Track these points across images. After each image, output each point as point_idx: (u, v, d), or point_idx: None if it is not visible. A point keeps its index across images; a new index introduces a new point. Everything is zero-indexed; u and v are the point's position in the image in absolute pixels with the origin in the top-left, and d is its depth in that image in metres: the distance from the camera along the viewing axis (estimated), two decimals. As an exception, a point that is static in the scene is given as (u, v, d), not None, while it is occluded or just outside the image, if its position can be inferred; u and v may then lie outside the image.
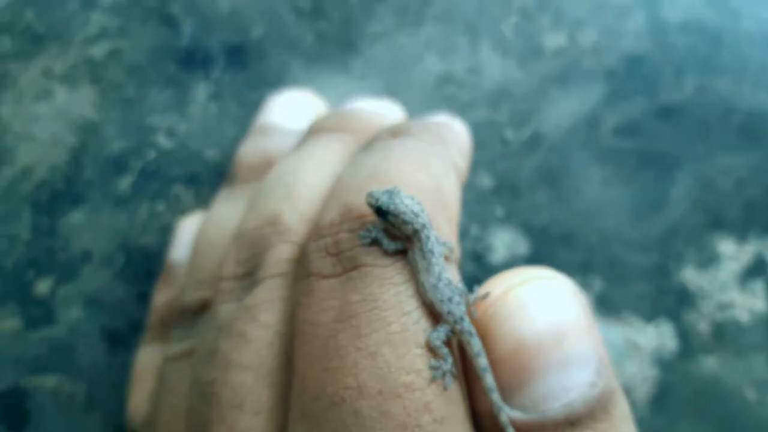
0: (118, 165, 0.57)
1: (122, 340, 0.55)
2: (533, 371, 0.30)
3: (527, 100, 0.58)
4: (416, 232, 0.32)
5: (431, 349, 0.30)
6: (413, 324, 0.31)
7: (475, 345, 0.31)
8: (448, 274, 0.32)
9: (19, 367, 0.55)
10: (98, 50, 0.59)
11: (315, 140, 0.44)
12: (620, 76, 0.59)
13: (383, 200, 0.32)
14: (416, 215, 0.32)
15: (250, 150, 0.50)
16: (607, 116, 0.58)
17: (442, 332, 0.31)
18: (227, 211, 0.46)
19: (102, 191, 0.57)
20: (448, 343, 0.31)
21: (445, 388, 0.29)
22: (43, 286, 0.55)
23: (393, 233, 0.33)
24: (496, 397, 0.30)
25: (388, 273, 0.32)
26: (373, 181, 0.35)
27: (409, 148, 0.38)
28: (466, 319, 0.31)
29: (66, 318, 0.55)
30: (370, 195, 0.33)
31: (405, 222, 0.32)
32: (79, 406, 0.53)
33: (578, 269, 0.56)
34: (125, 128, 0.57)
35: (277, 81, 0.58)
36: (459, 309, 0.31)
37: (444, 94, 0.58)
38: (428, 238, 0.33)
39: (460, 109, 0.58)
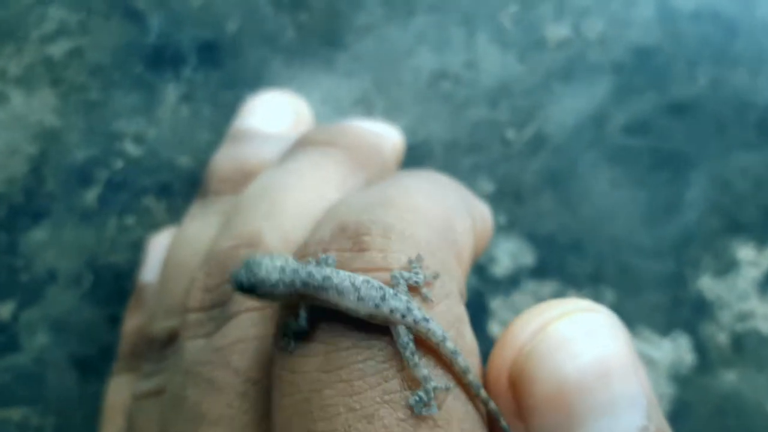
0: (83, 175, 0.52)
1: (93, 367, 0.51)
2: (579, 415, 0.26)
3: (529, 97, 0.54)
4: (305, 284, 0.29)
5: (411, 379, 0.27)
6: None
7: (436, 330, 0.27)
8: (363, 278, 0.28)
9: (-20, 399, 0.50)
10: (57, 49, 0.54)
11: (304, 155, 0.40)
12: (629, 69, 0.55)
13: (241, 275, 0.29)
14: (283, 270, 0.29)
15: (224, 158, 0.45)
16: (616, 113, 0.54)
17: (410, 339, 0.27)
18: (199, 228, 0.41)
19: (66, 205, 0.52)
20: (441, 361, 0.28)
21: (435, 412, 0.26)
22: (4, 311, 0.51)
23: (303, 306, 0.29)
24: (473, 378, 0.27)
25: None
26: (378, 207, 0.31)
27: (423, 178, 0.35)
28: (414, 307, 0.27)
29: (31, 344, 0.51)
30: (231, 276, 0.30)
31: (274, 286, 0.29)
32: (46, 443, 0.49)
33: (588, 280, 0.52)
34: (89, 135, 0.52)
35: (255, 80, 0.53)
36: (399, 301, 0.27)
37: (439, 92, 0.53)
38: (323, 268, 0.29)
39: (456, 107, 0.53)
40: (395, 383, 0.26)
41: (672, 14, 0.56)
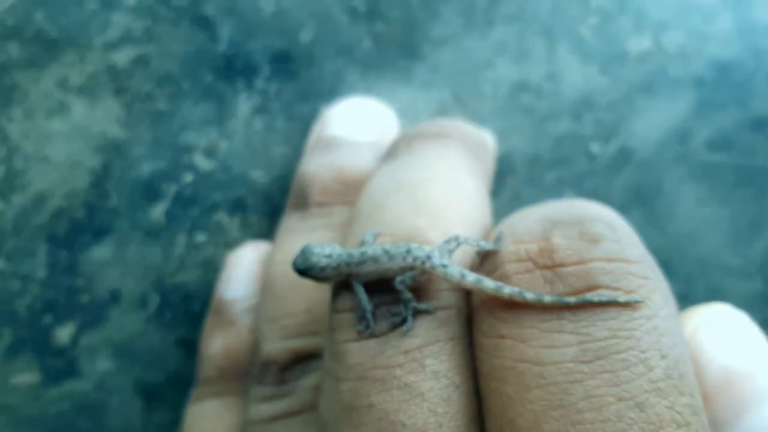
0: (149, 190, 0.49)
1: (159, 395, 0.47)
2: (747, 398, 0.31)
3: (612, 110, 0.52)
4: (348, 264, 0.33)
5: (396, 294, 0.32)
6: (674, 368, 0.27)
7: (454, 270, 0.31)
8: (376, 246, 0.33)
9: (38, 428, 0.47)
10: (121, 57, 0.51)
11: (422, 148, 0.39)
12: (710, 83, 0.54)
13: (298, 261, 0.35)
14: (330, 255, 0.34)
15: (320, 168, 0.43)
16: (699, 129, 0.53)
17: (407, 277, 0.32)
18: (306, 241, 0.39)
19: (130, 221, 0.49)
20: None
21: (405, 332, 0.31)
22: (63, 334, 0.48)
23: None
24: (509, 290, 0.30)
25: (646, 300, 0.28)
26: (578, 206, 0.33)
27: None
28: (435, 254, 0.32)
29: (91, 370, 0.47)
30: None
31: (322, 269, 0.34)
32: (114, 478, 0.46)
33: (679, 299, 0.50)
34: (156, 147, 0.50)
35: (330, 91, 0.51)
36: (421, 251, 0.32)
37: (520, 104, 0.51)
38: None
39: (539, 120, 0.51)
40: (659, 372, 0.27)
41: (751, 27, 0.55)
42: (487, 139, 0.44)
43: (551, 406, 0.27)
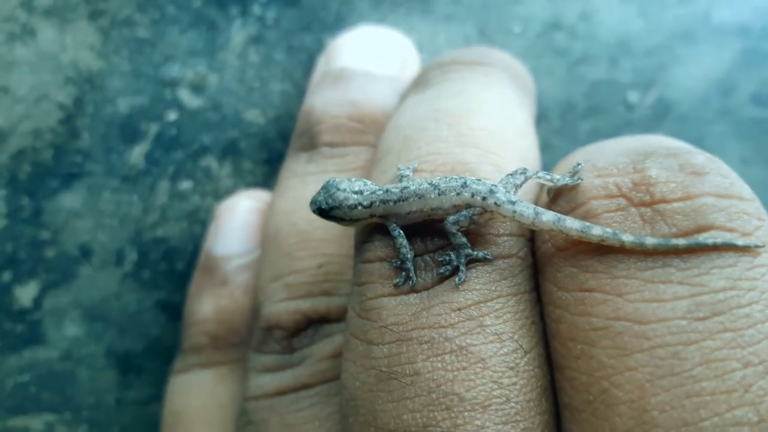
0: (127, 129, 0.43)
1: (137, 366, 0.42)
2: None
3: (651, 57, 0.47)
4: (383, 202, 0.28)
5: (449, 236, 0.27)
6: None
7: (525, 208, 0.26)
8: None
9: (-6, 403, 0.41)
10: (96, -24, 0.44)
11: (461, 76, 0.34)
12: (756, 32, 0.49)
13: (320, 197, 0.30)
14: (361, 192, 0.29)
15: (331, 104, 0.37)
16: (744, 81, 0.48)
17: (462, 216, 0.27)
18: (316, 187, 0.33)
19: (104, 165, 0.42)
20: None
21: (457, 285, 0.26)
22: (24, 294, 0.41)
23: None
24: (597, 231, 0.25)
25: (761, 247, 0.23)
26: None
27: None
28: (499, 189, 0.27)
29: (57, 337, 0.41)
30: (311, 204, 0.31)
31: (352, 208, 0.29)
32: (82, 460, 0.40)
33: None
34: (135, 80, 0.43)
35: (336, 21, 0.44)
36: (482, 185, 0.27)
37: (552, 45, 0.46)
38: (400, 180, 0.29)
39: (572, 63, 0.46)
40: None
41: (802, -29, 0.50)
42: (528, 74, 0.38)
43: (659, 373, 0.22)
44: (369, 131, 0.36)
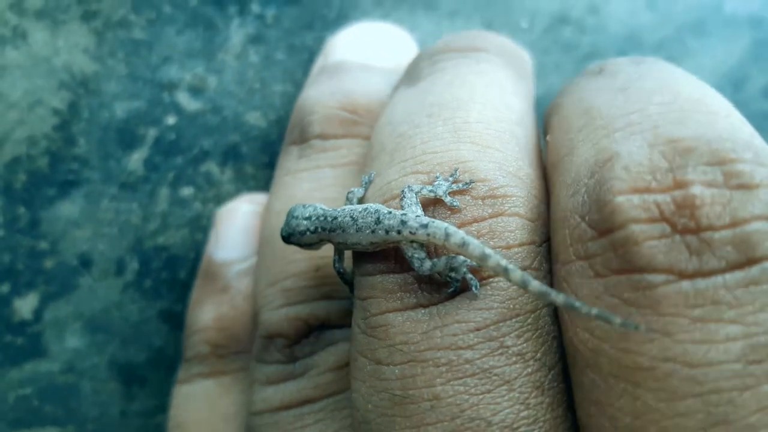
0: (124, 135, 0.41)
1: (140, 377, 0.41)
2: None
3: (661, 50, 0.46)
4: (331, 230, 0.28)
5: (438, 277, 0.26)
6: None
7: (437, 231, 0.25)
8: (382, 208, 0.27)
9: (-5, 418, 0.40)
10: (89, -25, 0.42)
11: (455, 64, 0.32)
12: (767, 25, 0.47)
13: (282, 227, 0.30)
14: (309, 218, 0.29)
15: (324, 96, 0.35)
16: (756, 74, 0.47)
17: (434, 263, 0.25)
18: (311, 186, 0.32)
19: (102, 172, 0.41)
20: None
21: (475, 290, 0.25)
22: (23, 306, 0.40)
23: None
24: (493, 262, 0.24)
25: None
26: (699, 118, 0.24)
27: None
28: (409, 219, 0.26)
29: (59, 349, 0.41)
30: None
31: (302, 234, 0.29)
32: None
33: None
34: (132, 83, 0.42)
35: (338, 18, 0.43)
36: (392, 218, 0.26)
37: (559, 39, 0.44)
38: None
39: (581, 58, 0.44)
40: None
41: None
42: (526, 56, 0.37)
43: (711, 420, 0.21)
44: (363, 122, 0.34)
